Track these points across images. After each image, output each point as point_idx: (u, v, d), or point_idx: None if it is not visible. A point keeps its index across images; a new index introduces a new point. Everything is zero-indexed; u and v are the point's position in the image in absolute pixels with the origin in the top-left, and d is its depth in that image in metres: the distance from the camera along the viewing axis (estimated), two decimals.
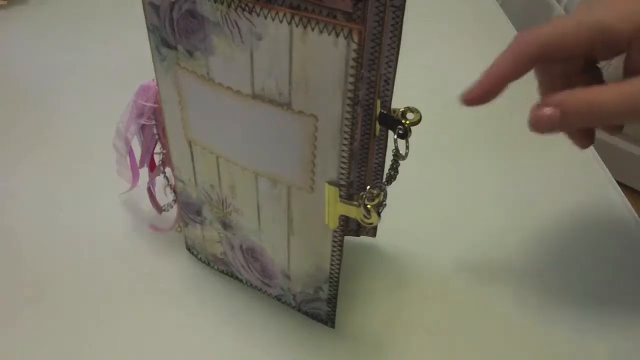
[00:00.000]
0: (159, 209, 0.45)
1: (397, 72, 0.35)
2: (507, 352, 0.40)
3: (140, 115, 0.40)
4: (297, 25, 0.26)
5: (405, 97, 0.62)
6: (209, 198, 0.38)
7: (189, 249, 0.44)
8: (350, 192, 0.31)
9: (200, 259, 0.44)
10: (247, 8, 0.27)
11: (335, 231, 0.33)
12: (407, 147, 0.35)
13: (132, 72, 0.61)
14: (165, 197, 0.44)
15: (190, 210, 0.41)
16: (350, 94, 0.27)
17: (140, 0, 0.31)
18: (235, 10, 0.27)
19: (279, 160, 0.32)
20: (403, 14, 0.30)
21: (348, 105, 0.28)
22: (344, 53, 0.26)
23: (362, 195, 0.31)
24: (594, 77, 0.36)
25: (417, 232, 0.48)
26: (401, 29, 0.31)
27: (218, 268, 0.43)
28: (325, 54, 0.26)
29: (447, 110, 0.62)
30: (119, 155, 0.44)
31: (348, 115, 0.28)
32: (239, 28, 0.28)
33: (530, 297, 0.43)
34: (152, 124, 0.40)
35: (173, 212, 0.45)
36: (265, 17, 0.27)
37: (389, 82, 0.35)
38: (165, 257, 0.44)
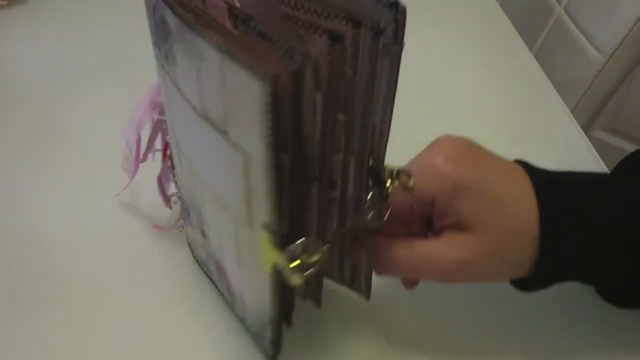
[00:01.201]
0: (167, 200, 0.45)
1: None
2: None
3: (154, 108, 0.40)
4: (224, 55, 0.24)
5: (404, 97, 0.62)
6: (192, 202, 0.37)
7: (189, 246, 0.44)
8: (282, 241, 0.29)
9: (195, 258, 0.44)
10: (190, 25, 0.25)
11: (271, 276, 0.30)
12: (378, 215, 0.33)
13: (132, 71, 0.61)
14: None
15: (184, 209, 0.41)
16: (268, 139, 0.25)
17: (139, 1, 0.31)
18: (183, 25, 0.26)
19: (225, 186, 0.30)
20: (399, 63, 0.27)
21: (269, 150, 0.25)
22: (261, 95, 0.23)
23: (286, 250, 0.29)
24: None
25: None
26: (397, 77, 0.28)
27: (205, 271, 0.43)
28: (246, 92, 0.24)
29: (447, 110, 0.62)
30: (126, 148, 0.44)
31: (271, 161, 0.26)
32: (188, 43, 0.27)
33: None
34: (164, 118, 0.40)
35: (176, 210, 0.45)
36: (202, 39, 0.25)
37: (365, 129, 0.30)
38: (168, 255, 0.45)
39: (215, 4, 0.27)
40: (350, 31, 0.25)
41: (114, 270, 0.44)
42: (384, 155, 0.31)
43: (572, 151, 0.58)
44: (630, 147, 0.86)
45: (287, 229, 0.29)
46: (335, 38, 0.24)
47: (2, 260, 0.44)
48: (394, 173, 0.32)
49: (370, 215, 0.33)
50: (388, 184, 0.32)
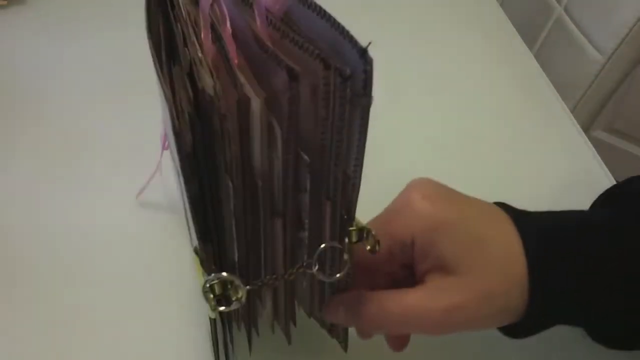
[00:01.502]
0: None
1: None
2: None
3: None
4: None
5: (404, 97, 0.62)
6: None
7: None
8: (218, 269, 0.29)
9: None
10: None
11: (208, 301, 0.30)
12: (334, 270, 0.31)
13: (132, 71, 0.61)
14: None
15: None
16: (181, 172, 0.26)
17: (138, 1, 0.31)
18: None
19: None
20: (367, 116, 0.26)
21: (184, 182, 0.26)
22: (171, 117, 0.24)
23: (207, 279, 0.28)
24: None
25: None
26: (366, 129, 0.27)
27: None
28: (166, 113, 0.25)
29: (447, 110, 0.62)
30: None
31: (186, 193, 0.26)
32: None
33: None
34: None
35: None
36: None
37: (331, 175, 0.28)
38: (180, 255, 0.45)
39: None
40: (323, 71, 0.24)
41: (124, 269, 0.44)
42: (355, 208, 0.30)
43: (572, 151, 0.58)
44: (630, 147, 0.86)
45: (231, 258, 0.28)
46: (292, 76, 0.24)
47: (5, 261, 0.44)
48: (365, 232, 0.31)
49: (317, 269, 0.31)
50: (353, 240, 0.31)
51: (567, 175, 0.55)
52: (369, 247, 0.31)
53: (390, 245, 0.33)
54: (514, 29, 0.74)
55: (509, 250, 0.32)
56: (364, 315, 0.32)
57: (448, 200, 0.34)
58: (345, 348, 0.37)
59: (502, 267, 0.31)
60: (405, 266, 0.34)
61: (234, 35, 0.28)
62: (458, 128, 0.59)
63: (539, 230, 0.33)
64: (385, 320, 0.32)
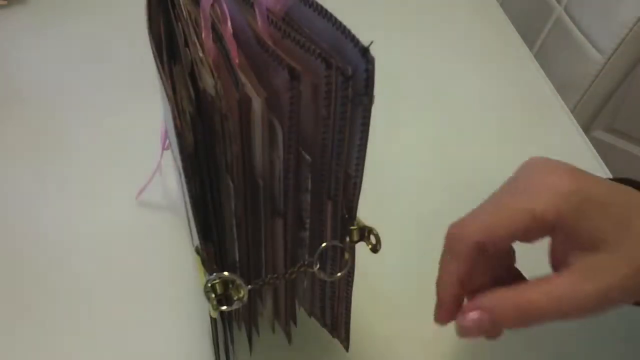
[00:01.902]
0: None
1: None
2: None
3: None
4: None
5: (404, 97, 0.62)
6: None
7: None
8: (220, 268, 0.29)
9: None
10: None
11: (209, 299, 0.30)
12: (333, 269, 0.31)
13: (132, 71, 0.61)
14: None
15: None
16: (183, 172, 0.26)
17: (139, 1, 0.31)
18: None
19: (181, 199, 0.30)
20: (369, 115, 0.26)
21: (185, 182, 0.26)
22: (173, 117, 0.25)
23: (208, 279, 0.28)
24: (508, 258, 0.35)
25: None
26: (368, 129, 0.27)
27: None
28: (168, 114, 0.25)
29: (447, 110, 0.62)
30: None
31: (187, 193, 0.26)
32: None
33: None
34: None
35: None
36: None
37: (333, 174, 0.28)
38: (180, 254, 0.45)
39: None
40: (324, 71, 0.24)
41: (119, 270, 0.44)
42: (357, 207, 0.30)
43: (572, 151, 0.58)
44: (630, 147, 0.86)
45: (232, 257, 0.28)
46: (293, 76, 0.24)
47: (5, 260, 0.44)
48: (366, 231, 0.30)
49: (318, 268, 0.31)
50: (355, 239, 0.31)
51: None
52: (370, 247, 0.31)
53: (528, 226, 0.31)
54: (514, 29, 0.74)
55: None
56: (508, 315, 0.31)
57: (586, 176, 0.32)
58: (346, 347, 0.37)
59: None
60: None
61: (235, 35, 0.27)
62: (458, 128, 0.59)
63: None
64: (534, 316, 0.30)
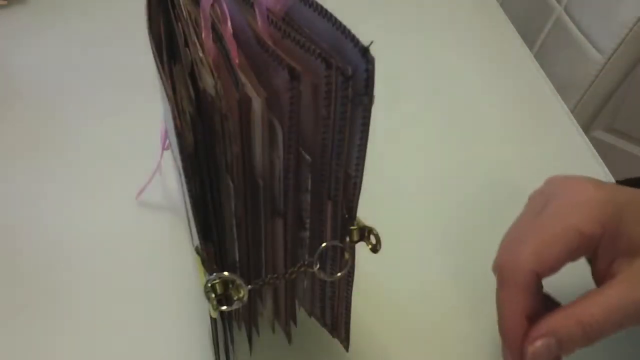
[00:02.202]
0: None
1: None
2: None
3: None
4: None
5: (404, 97, 0.62)
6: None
7: None
8: (220, 269, 0.29)
9: None
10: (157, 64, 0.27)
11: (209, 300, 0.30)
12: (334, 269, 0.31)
13: (132, 71, 0.61)
14: None
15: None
16: (183, 172, 0.26)
17: (139, 0, 0.31)
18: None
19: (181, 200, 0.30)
20: (369, 116, 0.26)
21: (185, 182, 0.26)
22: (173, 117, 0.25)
23: (208, 279, 0.28)
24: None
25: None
26: (368, 129, 0.27)
27: None
28: (168, 114, 0.25)
29: (447, 110, 0.62)
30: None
31: (187, 193, 0.26)
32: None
33: None
34: None
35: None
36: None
37: (333, 174, 0.28)
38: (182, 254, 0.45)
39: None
40: (324, 71, 0.24)
41: (119, 270, 0.44)
42: (357, 207, 0.30)
43: (572, 151, 0.58)
44: (630, 147, 0.86)
45: (232, 257, 0.28)
46: (293, 76, 0.24)
47: (5, 260, 0.44)
48: (366, 231, 0.31)
49: (318, 268, 0.31)
50: (355, 239, 0.31)
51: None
52: (370, 247, 0.31)
53: (580, 244, 0.31)
54: (514, 29, 0.74)
55: None
56: (574, 335, 0.30)
57: (606, 185, 0.33)
58: (346, 347, 0.37)
59: None
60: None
61: (235, 35, 0.27)
62: (458, 128, 0.59)
63: None
64: (597, 331, 0.30)
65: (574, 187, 0.33)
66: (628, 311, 0.29)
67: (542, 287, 0.32)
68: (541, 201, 0.34)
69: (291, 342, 0.38)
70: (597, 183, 0.33)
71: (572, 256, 0.31)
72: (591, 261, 0.33)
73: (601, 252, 0.32)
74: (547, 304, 0.33)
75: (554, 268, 0.31)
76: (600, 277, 0.32)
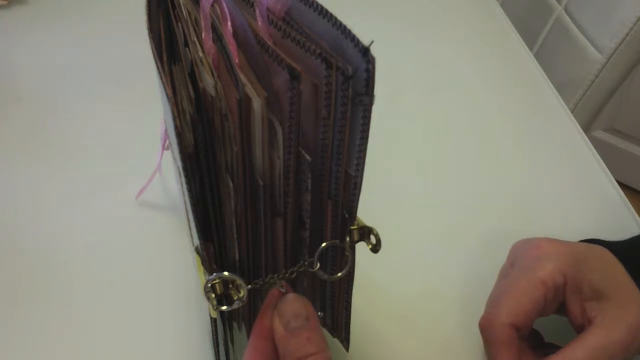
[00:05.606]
0: None
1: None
2: None
3: None
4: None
5: (404, 97, 0.62)
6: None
7: None
8: (220, 268, 0.29)
9: None
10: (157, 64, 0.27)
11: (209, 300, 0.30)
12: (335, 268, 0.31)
13: (132, 71, 0.61)
14: None
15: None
16: (183, 172, 0.26)
17: (138, 1, 0.31)
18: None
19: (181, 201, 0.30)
20: (369, 116, 0.26)
21: (185, 182, 0.26)
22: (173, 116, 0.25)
23: (207, 279, 0.28)
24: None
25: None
26: (368, 129, 0.27)
27: None
28: (168, 114, 0.25)
29: (447, 110, 0.62)
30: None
31: (187, 193, 0.26)
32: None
33: None
34: None
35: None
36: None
37: (333, 175, 0.28)
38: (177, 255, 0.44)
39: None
40: (325, 71, 0.24)
41: (119, 270, 0.44)
42: (357, 207, 0.30)
43: (572, 151, 0.58)
44: (630, 147, 0.86)
45: (232, 257, 0.28)
46: (293, 76, 0.24)
47: (5, 260, 0.44)
48: (366, 231, 0.31)
49: (318, 268, 0.31)
50: (355, 239, 0.31)
51: (567, 175, 0.55)
52: (370, 247, 0.31)
53: (546, 294, 0.35)
54: (514, 29, 0.74)
55: (620, 268, 0.36)
56: None
57: (559, 241, 0.37)
58: (346, 347, 0.37)
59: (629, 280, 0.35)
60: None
61: (235, 35, 0.27)
62: (458, 128, 0.59)
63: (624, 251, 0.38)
64: None
65: (534, 245, 0.37)
66: (610, 351, 0.33)
67: (528, 330, 0.36)
68: (508, 266, 0.39)
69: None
70: (555, 240, 0.37)
71: (541, 305, 0.35)
72: (566, 312, 0.36)
73: (569, 299, 0.35)
74: (536, 343, 0.37)
75: (528, 318, 0.35)
76: (579, 324, 0.36)
